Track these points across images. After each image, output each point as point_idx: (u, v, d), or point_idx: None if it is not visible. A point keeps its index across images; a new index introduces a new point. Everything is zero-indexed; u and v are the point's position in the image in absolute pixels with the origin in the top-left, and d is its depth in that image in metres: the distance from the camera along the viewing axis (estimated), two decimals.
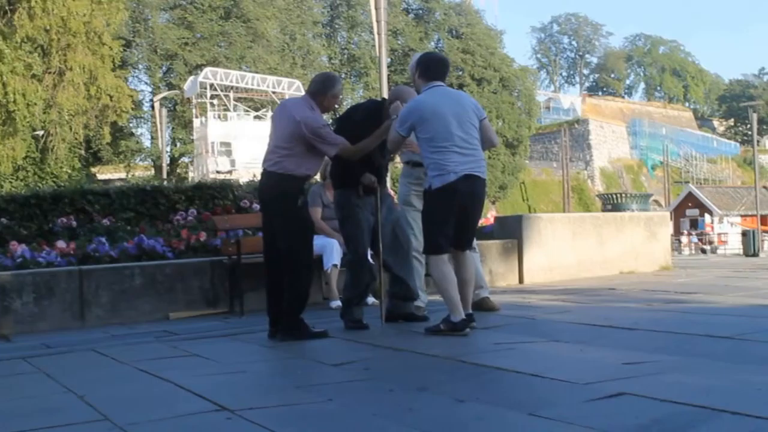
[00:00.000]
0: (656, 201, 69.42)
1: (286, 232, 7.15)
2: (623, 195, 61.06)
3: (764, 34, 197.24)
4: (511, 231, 12.32)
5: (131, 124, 60.35)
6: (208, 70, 55.11)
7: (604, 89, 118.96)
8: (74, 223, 11.28)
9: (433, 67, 7.31)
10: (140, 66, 62.34)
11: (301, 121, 7.11)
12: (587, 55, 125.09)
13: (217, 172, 50.81)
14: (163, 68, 62.62)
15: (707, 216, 63.07)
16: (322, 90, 7.36)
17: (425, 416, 4.21)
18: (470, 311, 7.08)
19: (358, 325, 7.62)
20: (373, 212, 7.64)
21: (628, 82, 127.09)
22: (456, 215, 6.96)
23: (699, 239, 57.50)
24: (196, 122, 56.99)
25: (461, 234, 7.08)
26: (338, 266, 9.70)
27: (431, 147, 6.94)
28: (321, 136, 7.14)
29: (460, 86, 59.14)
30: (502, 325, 7.54)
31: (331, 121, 9.20)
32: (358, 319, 7.69)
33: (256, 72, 58.16)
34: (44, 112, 39.10)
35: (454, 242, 7.06)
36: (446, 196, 6.87)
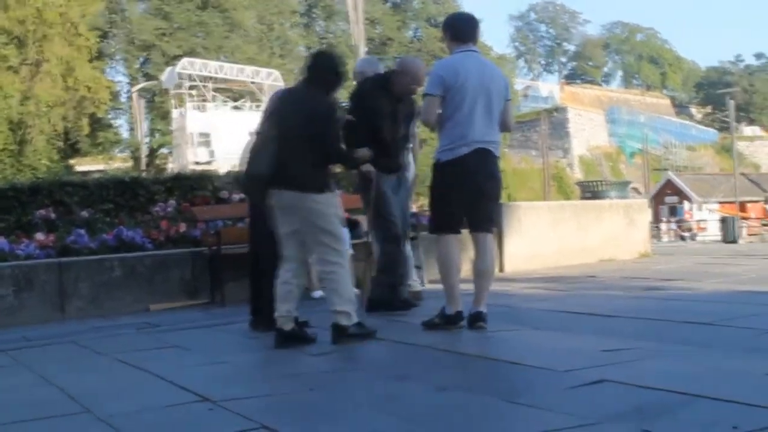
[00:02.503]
0: (635, 188, 69.57)
1: (265, 223, 7.12)
2: (602, 183, 61.29)
3: (740, 21, 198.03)
4: None
5: (109, 116, 60.04)
6: (185, 60, 54.84)
7: (582, 77, 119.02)
8: (53, 215, 11.21)
9: (462, 28, 6.72)
10: (117, 57, 62.11)
11: None
12: (565, 43, 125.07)
13: (196, 163, 50.50)
14: (141, 59, 62.38)
15: (686, 203, 63.29)
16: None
17: (407, 405, 4.23)
18: (481, 309, 6.43)
19: (407, 305, 7.64)
20: (395, 192, 7.50)
21: (605, 69, 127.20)
22: (469, 193, 6.41)
23: (678, 226, 57.66)
24: (175, 113, 56.68)
25: (476, 213, 6.50)
26: None
27: (449, 114, 6.40)
28: None
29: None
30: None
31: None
32: (405, 299, 7.69)
33: (234, 62, 57.96)
34: (21, 104, 38.87)
35: (469, 222, 6.56)
36: (455, 171, 6.37)
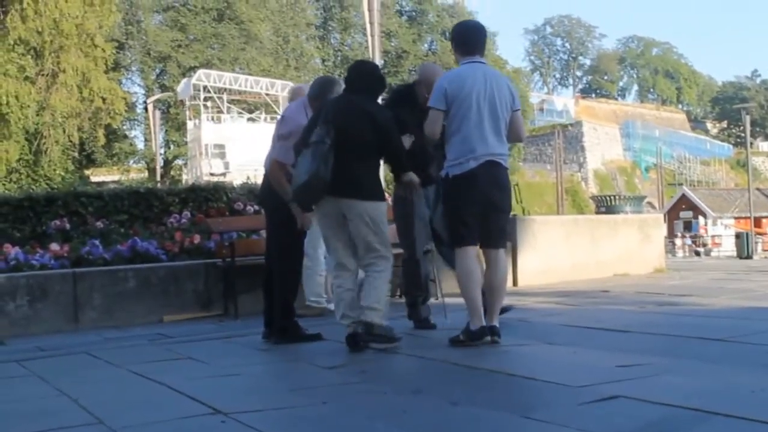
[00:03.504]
0: (650, 203, 69.43)
1: (278, 235, 7.15)
2: (617, 197, 61.12)
3: (757, 36, 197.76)
4: None
5: (125, 127, 60.33)
6: (201, 72, 55.02)
7: (597, 91, 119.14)
8: (68, 226, 11.25)
9: (467, 38, 6.65)
10: (133, 68, 62.36)
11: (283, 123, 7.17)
12: (580, 57, 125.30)
13: (211, 174, 50.62)
14: (156, 70, 62.62)
15: (701, 218, 63.09)
16: (319, 94, 7.17)
17: (420, 419, 4.22)
18: (495, 324, 6.36)
19: (426, 325, 7.49)
20: (428, 205, 7.31)
21: (621, 84, 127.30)
22: (479, 206, 6.33)
23: (693, 241, 57.54)
24: (190, 124, 56.84)
25: (488, 227, 6.42)
26: None
27: (456, 128, 6.34)
28: (279, 138, 7.13)
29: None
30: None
31: None
32: (425, 318, 7.57)
33: (250, 74, 58.08)
34: (37, 115, 39.01)
35: (481, 238, 6.46)
36: (466, 185, 6.29)
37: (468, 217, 6.36)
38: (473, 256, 6.41)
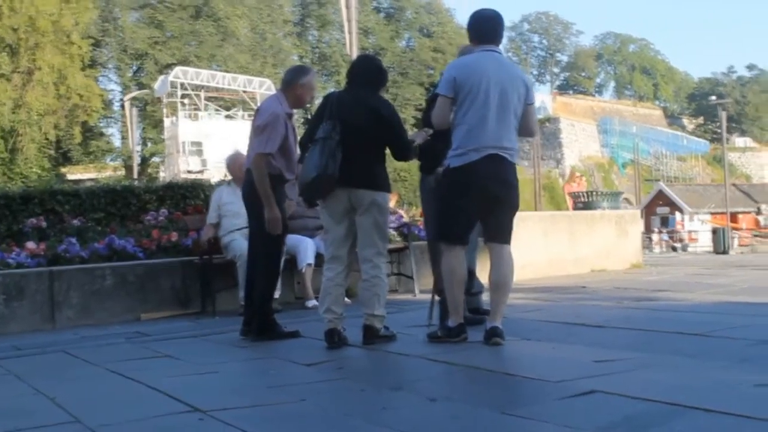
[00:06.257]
0: (627, 199, 69.67)
1: (262, 231, 7.11)
2: (594, 193, 61.33)
3: (732, 32, 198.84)
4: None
5: (101, 124, 60.20)
6: (178, 69, 54.89)
7: (575, 87, 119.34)
8: (44, 224, 11.18)
9: (483, 27, 6.33)
10: (110, 65, 62.18)
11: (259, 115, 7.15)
12: (557, 54, 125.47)
13: (188, 171, 50.55)
14: (133, 67, 62.45)
15: (678, 214, 63.44)
16: (291, 80, 7.20)
17: (399, 416, 4.21)
18: (497, 324, 6.14)
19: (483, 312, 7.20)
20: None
21: (598, 80, 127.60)
22: (480, 201, 6.10)
23: (670, 237, 57.80)
24: (167, 122, 56.72)
25: (492, 222, 6.21)
26: (312, 265, 9.67)
27: (461, 117, 6.11)
28: (256, 131, 7.10)
29: (432, 85, 59.16)
30: (473, 324, 7.54)
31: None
32: (475, 309, 7.42)
33: (227, 71, 58.00)
34: (13, 112, 38.85)
35: (485, 232, 6.33)
36: (464, 178, 6.05)
37: (461, 214, 6.19)
38: (461, 255, 6.23)
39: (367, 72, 6.73)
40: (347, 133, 6.28)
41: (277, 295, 8.53)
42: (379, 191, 6.48)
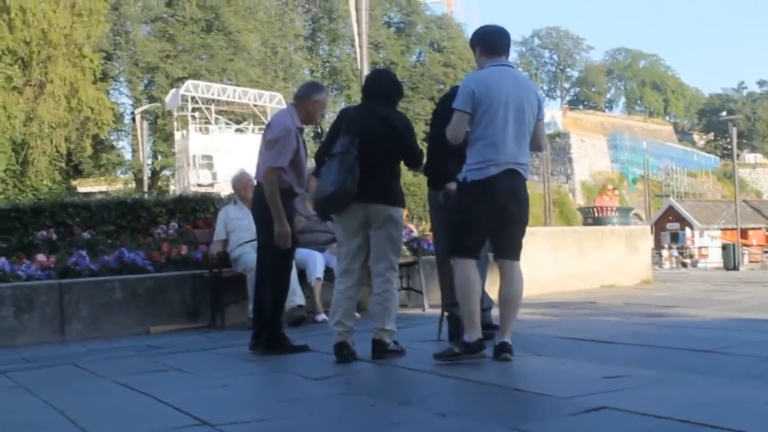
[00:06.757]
0: (637, 215, 69.58)
1: (271, 245, 7.11)
2: (604, 208, 61.20)
3: (743, 48, 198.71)
4: None
5: (112, 137, 60.23)
6: (189, 82, 54.98)
7: (585, 103, 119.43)
8: (54, 236, 11.20)
9: (493, 40, 6.33)
10: (121, 79, 62.24)
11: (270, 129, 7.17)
12: (568, 69, 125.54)
13: (199, 185, 50.59)
14: (144, 81, 62.53)
15: (688, 229, 63.26)
16: (304, 95, 7.24)
17: (409, 430, 4.21)
18: (506, 339, 6.09)
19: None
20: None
21: (608, 95, 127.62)
22: (495, 216, 6.04)
23: (680, 253, 57.68)
24: (177, 135, 56.79)
25: (504, 238, 6.16)
26: (321, 279, 9.68)
27: (481, 132, 6.01)
28: (267, 145, 7.11)
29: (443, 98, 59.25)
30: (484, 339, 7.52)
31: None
32: (487, 324, 7.36)
33: (238, 85, 58.08)
34: (24, 125, 38.96)
35: (497, 249, 6.26)
36: (483, 192, 5.96)
37: (477, 228, 6.11)
38: (474, 268, 6.11)
39: (382, 86, 6.77)
40: (363, 148, 6.30)
41: (303, 302, 8.60)
42: (395, 206, 6.48)
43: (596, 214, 56.67)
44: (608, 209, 57.78)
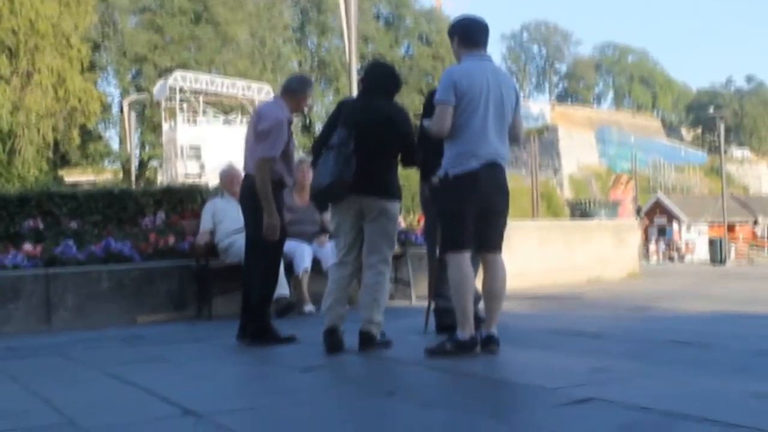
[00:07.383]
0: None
1: (260, 236, 7.10)
2: (592, 202, 61.36)
3: (731, 43, 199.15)
4: None
5: (100, 127, 60.11)
6: (177, 73, 54.92)
7: (573, 97, 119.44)
8: (41, 226, 11.15)
9: (472, 32, 6.28)
10: (109, 69, 62.21)
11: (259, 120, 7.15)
12: (556, 63, 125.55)
13: (186, 175, 50.53)
14: (132, 71, 62.48)
15: (675, 224, 63.52)
16: (297, 90, 7.25)
17: (394, 421, 4.21)
18: (493, 332, 6.09)
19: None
20: None
21: (597, 90, 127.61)
22: (479, 208, 6.00)
23: (667, 247, 57.88)
24: (165, 126, 56.74)
25: (488, 231, 6.10)
26: (308, 271, 9.67)
27: (462, 124, 5.97)
28: (259, 136, 7.07)
29: (430, 92, 59.33)
30: None
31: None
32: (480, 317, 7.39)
33: (226, 76, 58.01)
34: (11, 114, 38.78)
35: (481, 241, 6.12)
36: (466, 185, 5.94)
37: (466, 220, 6.02)
38: (468, 262, 6.05)
39: (381, 79, 6.75)
40: (361, 140, 6.28)
41: (288, 293, 8.62)
42: (390, 200, 6.49)
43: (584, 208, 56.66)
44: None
